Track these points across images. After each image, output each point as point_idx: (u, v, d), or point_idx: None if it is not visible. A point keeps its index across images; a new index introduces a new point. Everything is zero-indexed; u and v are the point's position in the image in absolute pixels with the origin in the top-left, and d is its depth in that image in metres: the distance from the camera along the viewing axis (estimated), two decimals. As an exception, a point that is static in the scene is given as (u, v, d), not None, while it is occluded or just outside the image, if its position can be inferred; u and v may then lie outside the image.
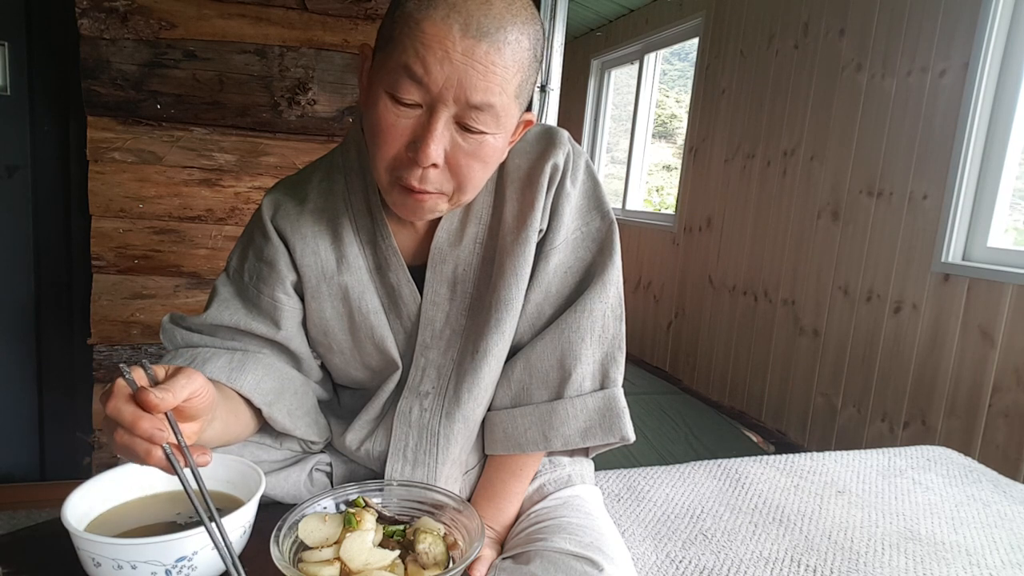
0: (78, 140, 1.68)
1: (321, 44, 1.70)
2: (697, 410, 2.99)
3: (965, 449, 1.98)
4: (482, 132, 0.63)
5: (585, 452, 0.87)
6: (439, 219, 0.77)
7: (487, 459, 0.83)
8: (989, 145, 2.02)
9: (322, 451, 0.85)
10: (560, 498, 0.81)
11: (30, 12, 1.68)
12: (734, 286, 3.15)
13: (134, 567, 0.55)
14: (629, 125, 4.26)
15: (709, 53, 3.41)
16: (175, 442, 0.53)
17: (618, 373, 0.80)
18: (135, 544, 0.55)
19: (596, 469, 0.96)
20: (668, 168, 4.84)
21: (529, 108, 0.72)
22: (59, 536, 0.59)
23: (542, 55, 0.67)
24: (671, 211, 3.84)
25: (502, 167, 0.78)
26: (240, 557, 0.64)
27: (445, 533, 0.66)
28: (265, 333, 0.77)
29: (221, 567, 0.62)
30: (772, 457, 1.31)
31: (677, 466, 1.24)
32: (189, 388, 0.54)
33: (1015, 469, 1.87)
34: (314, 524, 0.63)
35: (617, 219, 0.81)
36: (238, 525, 0.61)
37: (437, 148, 0.62)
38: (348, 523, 0.63)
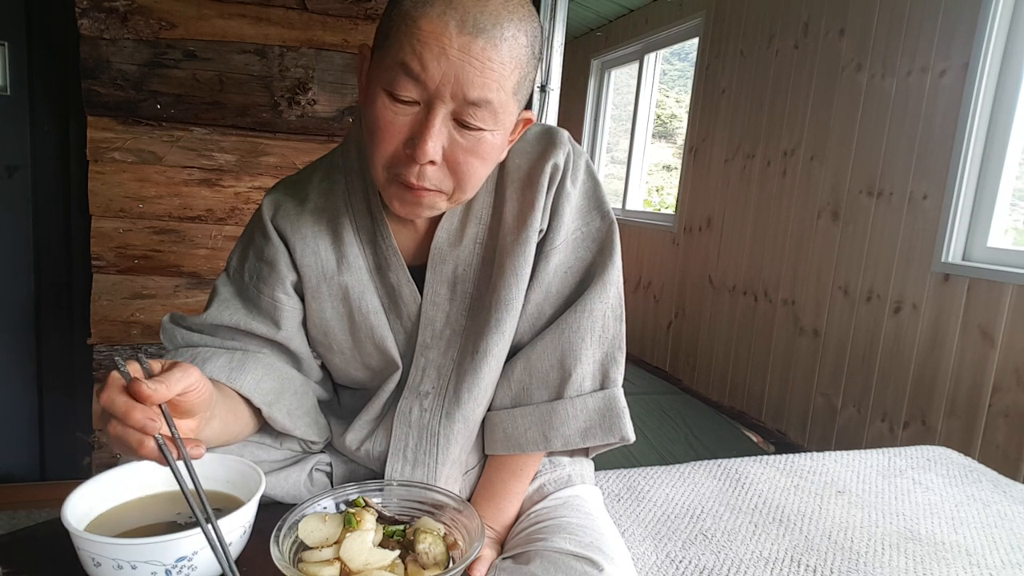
0: (78, 140, 1.68)
1: (321, 44, 1.70)
2: (697, 410, 2.99)
3: (965, 449, 1.98)
4: (480, 129, 0.63)
5: (585, 452, 0.87)
6: (439, 219, 0.77)
7: (487, 459, 0.83)
8: (989, 145, 2.02)
9: (322, 451, 0.85)
10: (560, 498, 0.81)
11: (30, 12, 1.68)
12: (734, 286, 3.15)
13: (134, 567, 0.55)
14: (629, 125, 4.26)
15: (709, 53, 3.41)
16: (168, 434, 0.53)
17: (618, 373, 0.80)
18: (135, 544, 0.55)
19: (596, 469, 0.96)
20: (668, 168, 4.84)
21: (529, 106, 0.72)
22: (59, 536, 0.59)
23: (540, 53, 0.67)
24: (671, 211, 3.84)
25: (502, 167, 0.78)
26: (240, 557, 0.64)
27: (445, 533, 0.66)
28: (265, 333, 0.77)
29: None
30: (772, 457, 1.31)
31: (677, 466, 1.24)
32: (184, 382, 0.54)
33: (1015, 469, 1.87)
34: (314, 524, 0.63)
35: (617, 219, 0.81)
36: (238, 525, 0.61)
37: (435, 145, 0.62)
38: (348, 523, 0.63)
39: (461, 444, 0.78)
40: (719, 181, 3.28)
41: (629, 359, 3.90)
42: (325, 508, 0.67)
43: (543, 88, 1.88)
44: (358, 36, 1.73)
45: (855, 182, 2.47)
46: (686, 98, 3.79)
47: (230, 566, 0.53)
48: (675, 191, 3.76)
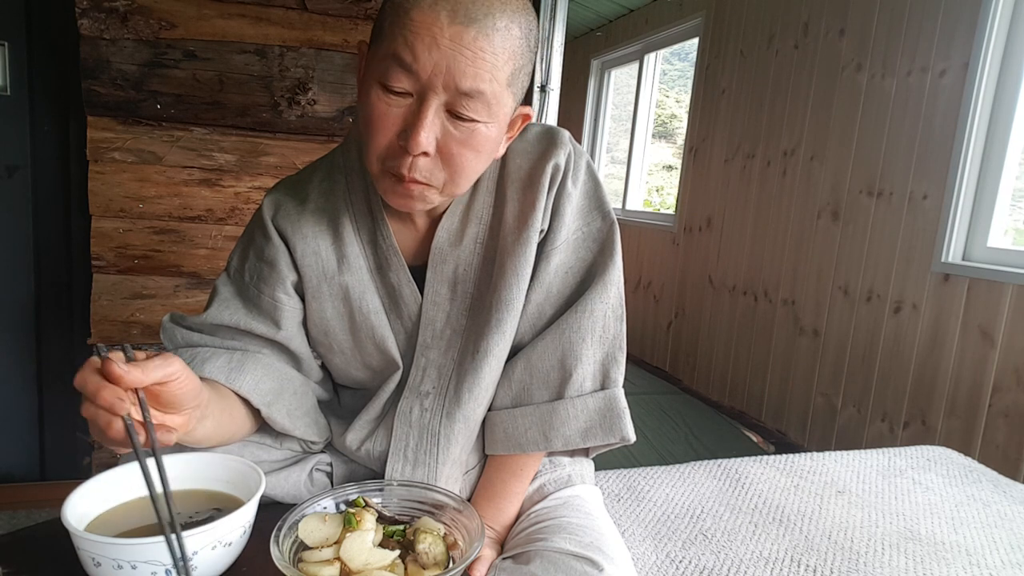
0: (78, 140, 1.68)
1: (321, 44, 1.70)
2: (697, 410, 2.99)
3: (965, 449, 1.98)
4: (473, 120, 0.63)
5: (585, 452, 0.87)
6: (440, 219, 0.77)
7: (487, 459, 0.83)
8: (989, 145, 2.02)
9: (322, 451, 0.85)
10: (560, 498, 0.81)
11: (30, 12, 1.68)
12: (734, 286, 3.15)
13: (134, 567, 0.55)
14: (629, 125, 4.26)
15: (709, 53, 3.41)
16: (140, 419, 0.53)
17: (619, 373, 0.80)
18: (135, 544, 0.55)
19: (596, 469, 0.96)
20: (668, 168, 4.84)
21: (528, 103, 0.72)
22: (59, 536, 0.59)
23: (536, 46, 0.67)
24: (671, 211, 3.84)
25: (503, 167, 0.78)
26: (240, 557, 0.64)
27: (445, 533, 0.66)
28: (265, 333, 0.77)
29: (221, 567, 0.62)
30: (772, 457, 1.31)
31: (677, 466, 1.24)
32: (162, 370, 0.54)
33: (1015, 469, 1.87)
34: (314, 524, 0.63)
35: (617, 219, 0.81)
36: (238, 525, 0.61)
37: (427, 136, 0.62)
38: (348, 523, 0.63)
39: (461, 444, 0.78)
40: (719, 181, 3.28)
41: (629, 359, 3.90)
42: (325, 508, 0.67)
43: (543, 88, 1.88)
44: (358, 36, 1.73)
45: (855, 182, 2.47)
46: (686, 98, 3.79)
47: (183, 557, 0.51)
48: (675, 191, 3.76)
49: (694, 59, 3.57)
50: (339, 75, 1.72)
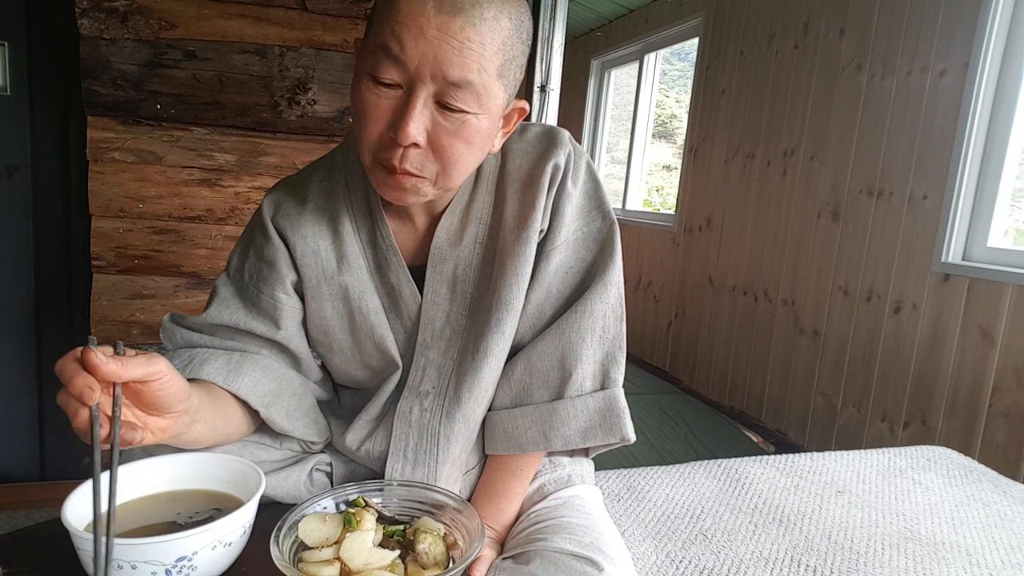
0: (78, 140, 1.68)
1: (321, 44, 1.70)
2: (697, 410, 2.99)
3: (965, 449, 1.98)
4: (463, 111, 0.63)
5: (585, 452, 0.87)
6: (439, 219, 0.77)
7: (487, 459, 0.83)
8: (989, 145, 2.02)
9: (322, 451, 0.85)
10: (560, 498, 0.81)
11: (30, 12, 1.68)
12: (734, 286, 3.15)
13: (134, 567, 0.55)
14: (629, 125, 4.26)
15: (709, 53, 3.41)
16: (109, 414, 0.52)
17: (619, 373, 0.80)
18: (135, 544, 0.55)
19: (596, 469, 0.96)
20: (668, 168, 4.84)
21: (527, 102, 0.72)
22: (59, 536, 0.59)
23: (530, 39, 0.67)
24: (671, 211, 3.84)
25: (503, 167, 0.78)
26: (240, 557, 0.64)
27: (445, 533, 0.66)
28: (265, 333, 0.77)
29: (221, 567, 0.62)
30: (772, 457, 1.31)
31: (677, 466, 1.24)
32: (143, 368, 0.54)
33: (1015, 469, 1.87)
34: (314, 524, 0.63)
35: (617, 219, 0.81)
36: (238, 525, 0.61)
37: (416, 126, 0.62)
38: (348, 523, 0.63)
39: (461, 444, 0.78)
40: (719, 181, 3.28)
41: (629, 359, 3.90)
42: (325, 508, 0.67)
43: (543, 88, 1.88)
44: (358, 36, 1.72)
45: (855, 182, 2.47)
46: (686, 98, 3.79)
47: (106, 559, 0.51)
48: (675, 191, 3.76)
49: (694, 59, 3.57)
50: (339, 75, 1.72)
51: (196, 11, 1.61)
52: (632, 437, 0.79)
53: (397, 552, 0.62)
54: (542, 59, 1.87)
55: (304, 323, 0.81)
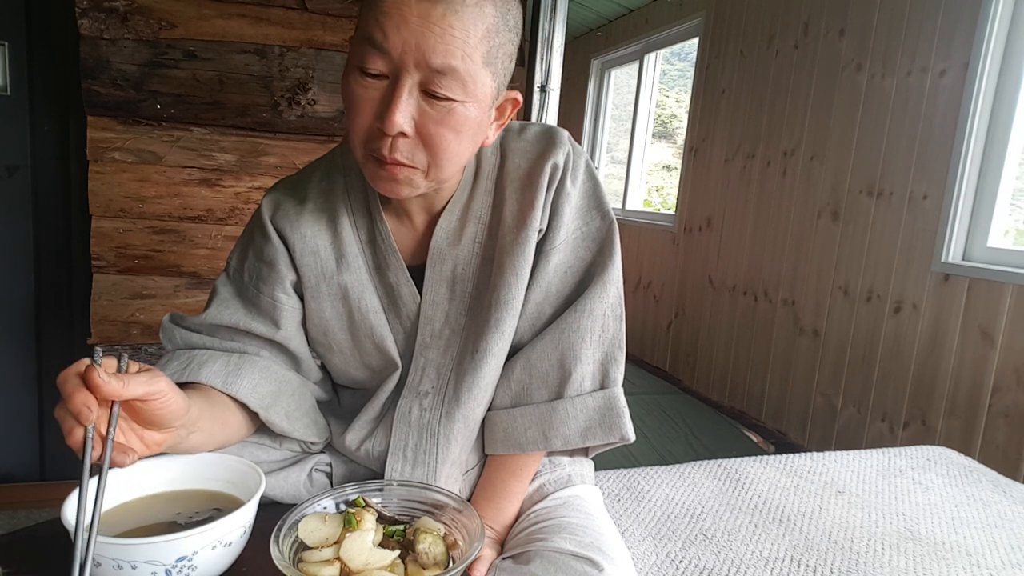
0: (78, 140, 1.68)
1: (321, 44, 1.70)
2: (697, 410, 2.99)
3: (965, 449, 1.98)
4: (449, 99, 0.63)
5: (585, 452, 0.87)
6: (438, 218, 0.77)
7: (487, 459, 0.83)
8: (989, 145, 2.02)
9: (322, 451, 0.85)
10: (560, 498, 0.81)
11: (30, 12, 1.69)
12: (734, 286, 3.15)
13: (134, 567, 0.55)
14: (629, 125, 4.26)
15: (709, 53, 3.41)
16: (103, 433, 0.53)
17: (618, 373, 0.80)
18: (135, 544, 0.55)
19: (596, 469, 0.96)
20: (668, 168, 4.83)
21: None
22: (59, 536, 0.59)
23: (517, 26, 0.67)
24: (671, 211, 3.84)
25: (501, 166, 0.78)
26: (240, 557, 0.64)
27: (445, 533, 0.66)
28: (264, 333, 0.77)
29: (221, 567, 0.62)
30: (772, 457, 1.31)
31: (677, 466, 1.24)
32: (145, 388, 0.54)
33: (1015, 469, 1.87)
34: (314, 524, 0.63)
35: (617, 219, 0.81)
36: (238, 525, 0.61)
37: (402, 115, 0.62)
38: (348, 523, 0.62)
39: (461, 444, 0.78)
40: (719, 181, 3.28)
41: (629, 359, 3.90)
42: (325, 508, 0.67)
43: (543, 88, 1.88)
44: (358, 36, 1.73)
45: (855, 182, 2.47)
46: (686, 98, 3.79)
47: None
48: (675, 191, 3.76)
49: (694, 59, 3.57)
50: (339, 75, 1.71)
51: (196, 11, 1.61)
52: (632, 436, 0.79)
53: (397, 552, 0.62)
54: (542, 59, 1.87)
55: (304, 323, 0.81)
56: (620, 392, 0.79)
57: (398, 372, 0.80)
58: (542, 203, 0.75)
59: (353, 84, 0.64)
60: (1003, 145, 1.98)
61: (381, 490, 0.72)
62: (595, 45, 4.65)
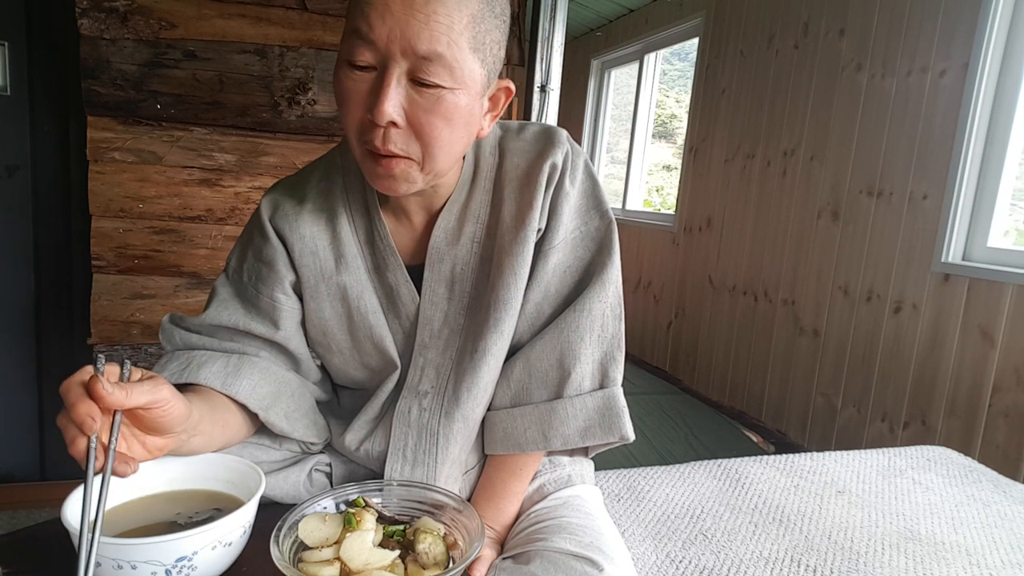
0: (78, 140, 1.68)
1: (321, 44, 1.70)
2: (697, 410, 2.99)
3: (965, 449, 1.98)
4: (438, 86, 0.62)
5: (585, 452, 0.87)
6: (436, 217, 0.77)
7: (487, 459, 0.83)
8: (989, 145, 2.02)
9: (321, 451, 0.85)
10: (560, 498, 0.81)
11: (30, 12, 1.69)
12: (734, 286, 3.15)
13: (134, 567, 0.55)
14: (629, 125, 4.26)
15: (709, 53, 3.41)
16: (105, 442, 0.53)
17: (617, 372, 0.79)
18: (135, 544, 0.55)
19: (596, 469, 0.96)
20: (668, 168, 4.83)
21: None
22: (59, 536, 0.59)
23: (504, 14, 0.67)
24: (671, 211, 3.84)
25: (500, 166, 0.78)
26: (240, 557, 0.64)
27: (445, 533, 0.66)
28: (264, 333, 0.77)
29: (221, 567, 0.62)
30: (772, 457, 1.31)
31: (677, 466, 1.24)
32: (148, 396, 0.54)
33: (1015, 469, 1.87)
34: (314, 524, 0.63)
35: (617, 219, 0.81)
36: (238, 525, 0.61)
37: (392, 104, 0.62)
38: (348, 523, 0.62)
39: (460, 443, 0.78)
40: (719, 181, 3.28)
41: (629, 359, 3.90)
42: (325, 508, 0.67)
43: (543, 88, 1.88)
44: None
45: (855, 182, 2.47)
46: (686, 98, 3.79)
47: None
48: (675, 191, 3.76)
49: (694, 59, 3.57)
50: (339, 75, 1.72)
51: (196, 11, 1.61)
52: (631, 436, 0.79)
53: (397, 552, 0.62)
54: (542, 59, 1.87)
55: (303, 324, 0.81)
56: (620, 392, 0.79)
57: (397, 372, 0.80)
58: (541, 203, 0.75)
59: (343, 79, 0.64)
60: (1003, 145, 1.98)
61: (381, 490, 0.72)
62: (595, 45, 4.65)
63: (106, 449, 0.53)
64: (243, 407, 0.74)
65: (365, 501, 0.68)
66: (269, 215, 0.78)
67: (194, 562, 0.58)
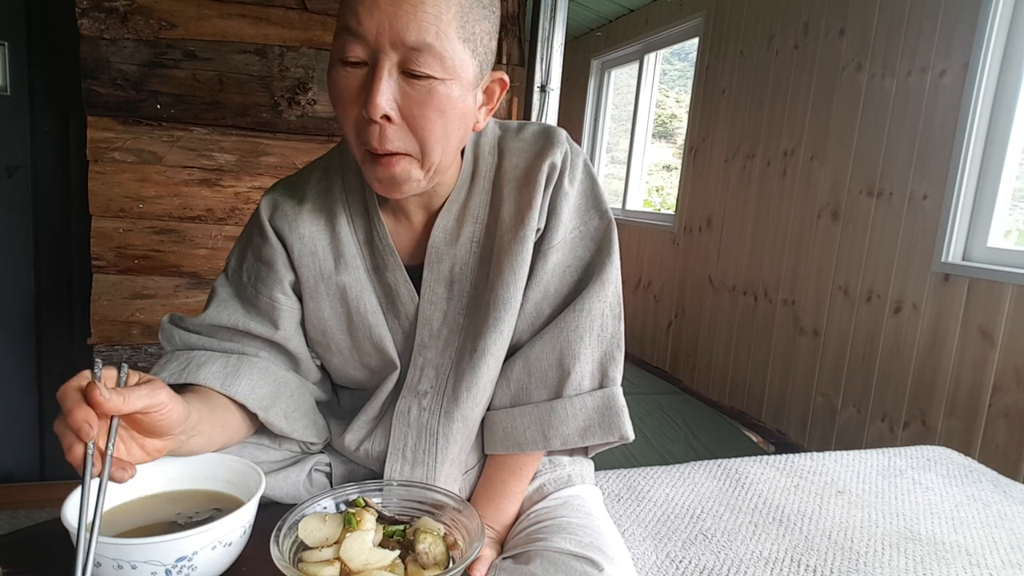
0: (78, 140, 1.68)
1: (321, 44, 1.70)
2: (697, 410, 3.00)
3: (965, 449, 1.98)
4: (429, 77, 0.62)
5: (585, 451, 0.87)
6: (435, 217, 0.77)
7: (487, 459, 0.83)
8: (989, 145, 2.02)
9: (321, 451, 0.85)
10: (560, 498, 0.81)
11: (30, 12, 1.69)
12: (734, 286, 3.15)
13: (134, 567, 0.55)
14: (629, 125, 4.26)
15: (709, 53, 3.41)
16: (103, 448, 0.53)
17: (617, 372, 0.79)
18: (135, 544, 0.55)
19: (596, 469, 0.96)
20: (668, 168, 4.83)
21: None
22: (59, 536, 0.59)
23: (492, 3, 0.67)
24: (671, 211, 3.84)
25: (499, 166, 0.78)
26: (240, 557, 0.64)
27: (445, 533, 0.66)
28: (263, 333, 0.77)
29: (221, 567, 0.62)
30: (772, 457, 1.31)
31: (677, 466, 1.24)
32: (145, 401, 0.54)
33: (1015, 469, 1.87)
34: (314, 524, 0.63)
35: (617, 219, 0.81)
36: (238, 525, 0.61)
37: (384, 97, 0.62)
38: (348, 523, 0.63)
39: (460, 443, 0.78)
40: (719, 181, 3.28)
41: (629, 359, 3.90)
42: (325, 508, 0.67)
43: (543, 88, 1.88)
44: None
45: (855, 182, 2.47)
46: (686, 98, 3.79)
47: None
48: (675, 191, 3.76)
49: (694, 59, 3.57)
50: (339, 75, 1.72)
51: (196, 11, 1.61)
52: (631, 436, 0.79)
53: (397, 552, 0.62)
54: (542, 59, 1.87)
55: (302, 324, 0.81)
56: (619, 391, 0.79)
57: (397, 372, 0.80)
58: (540, 202, 0.75)
59: (336, 78, 0.64)
60: (1003, 145, 1.98)
61: (381, 490, 0.72)
62: (595, 45, 4.65)
63: (103, 454, 0.53)
64: (242, 407, 0.74)
65: (365, 501, 0.68)
66: (268, 215, 0.78)
67: (194, 562, 0.58)
